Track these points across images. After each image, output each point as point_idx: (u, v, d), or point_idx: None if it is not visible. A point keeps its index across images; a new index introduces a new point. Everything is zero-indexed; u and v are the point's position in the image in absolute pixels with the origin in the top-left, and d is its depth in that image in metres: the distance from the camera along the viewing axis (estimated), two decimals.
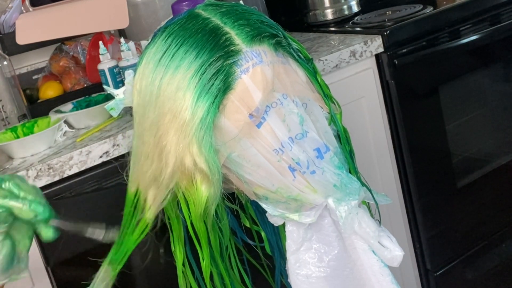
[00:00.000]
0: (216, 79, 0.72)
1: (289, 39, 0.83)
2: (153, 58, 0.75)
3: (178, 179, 0.77)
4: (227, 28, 0.75)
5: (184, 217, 0.81)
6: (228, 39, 0.74)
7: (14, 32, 1.38)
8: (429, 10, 1.57)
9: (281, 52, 0.79)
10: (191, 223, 0.80)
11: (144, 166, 0.77)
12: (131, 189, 0.81)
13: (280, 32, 0.80)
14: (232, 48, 0.74)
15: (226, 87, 0.73)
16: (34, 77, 1.66)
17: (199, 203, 0.76)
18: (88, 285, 0.83)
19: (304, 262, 0.85)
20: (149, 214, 0.79)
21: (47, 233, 0.74)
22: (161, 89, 0.74)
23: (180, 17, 0.78)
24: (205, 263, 0.84)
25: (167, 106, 0.73)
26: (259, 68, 0.74)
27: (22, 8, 1.44)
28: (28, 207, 0.71)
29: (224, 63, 0.73)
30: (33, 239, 1.09)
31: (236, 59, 0.73)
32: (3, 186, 0.72)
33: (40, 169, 1.08)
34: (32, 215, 0.72)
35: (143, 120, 0.76)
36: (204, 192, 0.75)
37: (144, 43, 1.40)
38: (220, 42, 0.73)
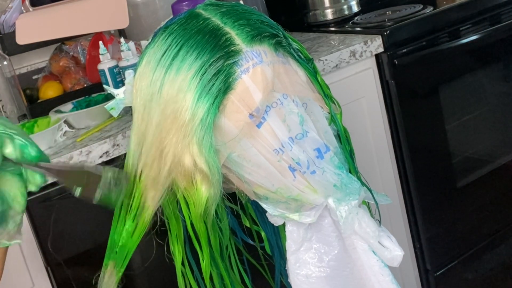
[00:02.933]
0: (216, 79, 0.72)
1: (289, 39, 0.83)
2: (154, 57, 0.75)
3: (177, 180, 0.77)
4: (227, 28, 0.75)
5: (183, 217, 0.81)
6: (228, 39, 0.74)
7: (14, 32, 1.38)
8: (429, 10, 1.57)
9: (281, 52, 0.79)
10: (191, 223, 0.80)
11: (146, 167, 0.77)
12: (135, 191, 0.80)
13: (280, 32, 0.80)
14: (233, 48, 0.73)
15: (226, 87, 0.73)
16: (34, 77, 1.66)
17: (199, 203, 0.76)
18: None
19: (304, 262, 0.85)
20: (147, 215, 0.79)
21: (33, 179, 0.68)
22: (162, 90, 0.74)
23: (181, 17, 0.78)
24: (205, 263, 0.84)
25: (169, 108, 0.73)
26: (259, 68, 0.74)
27: (22, 8, 1.44)
28: (14, 142, 0.66)
29: (225, 64, 0.73)
30: (33, 239, 1.10)
31: (236, 59, 0.73)
32: None
33: None
34: (18, 153, 0.66)
35: (145, 120, 0.76)
36: (204, 193, 0.75)
37: (144, 43, 1.40)
38: (220, 42, 0.73)
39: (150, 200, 0.78)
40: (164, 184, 0.77)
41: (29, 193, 0.71)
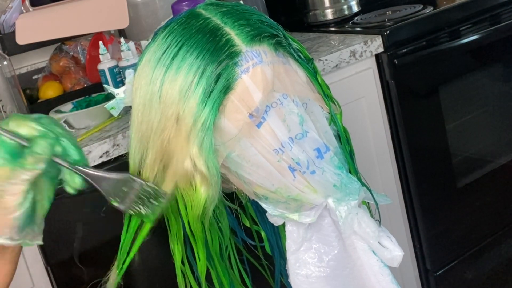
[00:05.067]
0: (217, 82, 0.72)
1: (289, 39, 0.82)
2: (153, 56, 0.75)
3: (177, 181, 0.77)
4: (227, 28, 0.75)
5: (182, 217, 0.81)
6: (228, 40, 0.74)
7: (14, 32, 1.38)
8: (429, 10, 1.57)
9: (281, 52, 0.79)
10: (188, 224, 0.80)
11: (148, 168, 0.77)
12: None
13: (280, 32, 0.80)
14: (233, 49, 0.73)
15: (226, 88, 0.73)
16: (34, 77, 1.66)
17: (197, 204, 0.76)
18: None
19: (304, 262, 0.85)
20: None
21: (73, 181, 0.68)
22: (162, 90, 0.74)
23: (181, 16, 0.78)
24: (200, 263, 0.84)
25: (171, 110, 0.73)
26: (259, 68, 0.74)
27: (22, 8, 1.44)
28: (60, 144, 0.66)
29: (226, 66, 0.73)
30: None
31: (237, 60, 0.73)
32: (42, 121, 0.67)
33: None
34: (60, 151, 0.66)
35: (145, 119, 0.76)
36: (202, 194, 0.75)
37: (144, 43, 1.40)
38: (221, 44, 0.73)
39: None
40: (166, 187, 0.77)
41: None
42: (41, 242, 0.69)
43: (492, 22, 1.61)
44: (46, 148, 0.64)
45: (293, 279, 0.86)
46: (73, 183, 0.69)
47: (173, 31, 0.76)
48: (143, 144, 0.77)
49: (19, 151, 0.64)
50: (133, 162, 0.79)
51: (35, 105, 1.47)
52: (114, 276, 0.82)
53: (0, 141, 0.63)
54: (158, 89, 0.74)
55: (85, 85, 1.50)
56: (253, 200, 0.85)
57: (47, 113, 1.31)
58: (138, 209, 0.72)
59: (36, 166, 0.64)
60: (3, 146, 0.63)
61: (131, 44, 1.36)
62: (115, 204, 0.70)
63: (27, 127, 0.65)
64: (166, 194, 0.75)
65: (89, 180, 0.69)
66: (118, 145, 1.14)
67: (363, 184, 0.85)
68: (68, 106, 1.34)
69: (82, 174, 0.68)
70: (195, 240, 0.83)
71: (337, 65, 1.40)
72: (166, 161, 0.75)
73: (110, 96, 1.29)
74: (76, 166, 0.68)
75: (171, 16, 1.42)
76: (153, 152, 0.76)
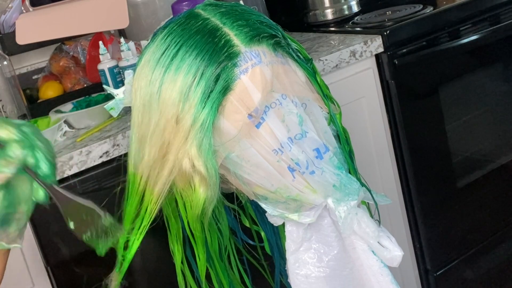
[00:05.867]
0: (216, 82, 0.73)
1: (288, 39, 0.83)
2: (152, 56, 0.76)
3: (176, 181, 0.77)
4: (226, 29, 0.75)
5: (182, 216, 0.81)
6: (227, 41, 0.74)
7: (14, 32, 1.38)
8: (429, 10, 1.57)
9: (280, 52, 0.79)
10: (188, 224, 0.81)
11: (148, 169, 0.77)
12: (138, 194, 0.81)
13: (279, 33, 0.80)
14: (232, 50, 0.73)
15: (225, 88, 0.73)
16: (34, 77, 1.66)
17: (196, 205, 0.77)
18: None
19: (303, 262, 0.85)
20: (148, 217, 0.79)
21: (37, 193, 0.68)
22: (162, 91, 0.74)
23: (180, 17, 0.78)
24: (200, 263, 0.84)
25: (170, 111, 0.73)
26: (258, 68, 0.74)
27: (22, 8, 1.44)
28: (34, 154, 0.66)
29: (225, 67, 0.73)
30: (33, 239, 1.10)
31: (236, 61, 0.73)
32: (23, 129, 0.67)
33: None
34: (32, 162, 0.66)
35: (145, 120, 0.76)
36: (201, 195, 0.75)
37: (144, 43, 1.40)
38: (220, 44, 0.73)
39: (153, 202, 0.78)
40: (164, 187, 0.77)
41: None
42: (19, 246, 0.68)
43: (492, 22, 1.61)
44: (19, 154, 0.65)
45: (292, 279, 0.86)
46: (36, 195, 0.68)
47: (172, 32, 0.76)
48: (143, 144, 0.77)
49: None
50: (133, 162, 0.80)
51: (35, 105, 1.46)
52: (116, 277, 0.82)
53: None
54: (157, 90, 0.74)
55: (85, 85, 1.50)
56: (252, 200, 0.85)
57: (47, 113, 1.31)
58: (92, 238, 0.72)
59: (5, 169, 0.64)
60: None
61: (131, 44, 1.36)
62: (72, 227, 0.70)
63: (6, 130, 0.65)
64: (122, 230, 0.76)
65: (53, 198, 0.69)
66: (118, 145, 1.14)
67: (362, 184, 0.85)
68: (68, 106, 1.34)
69: (48, 190, 0.68)
70: (194, 240, 0.83)
71: (337, 65, 1.40)
72: (165, 162, 0.76)
73: (110, 96, 1.29)
74: (45, 181, 0.68)
75: (171, 16, 1.42)
76: (153, 153, 0.76)
